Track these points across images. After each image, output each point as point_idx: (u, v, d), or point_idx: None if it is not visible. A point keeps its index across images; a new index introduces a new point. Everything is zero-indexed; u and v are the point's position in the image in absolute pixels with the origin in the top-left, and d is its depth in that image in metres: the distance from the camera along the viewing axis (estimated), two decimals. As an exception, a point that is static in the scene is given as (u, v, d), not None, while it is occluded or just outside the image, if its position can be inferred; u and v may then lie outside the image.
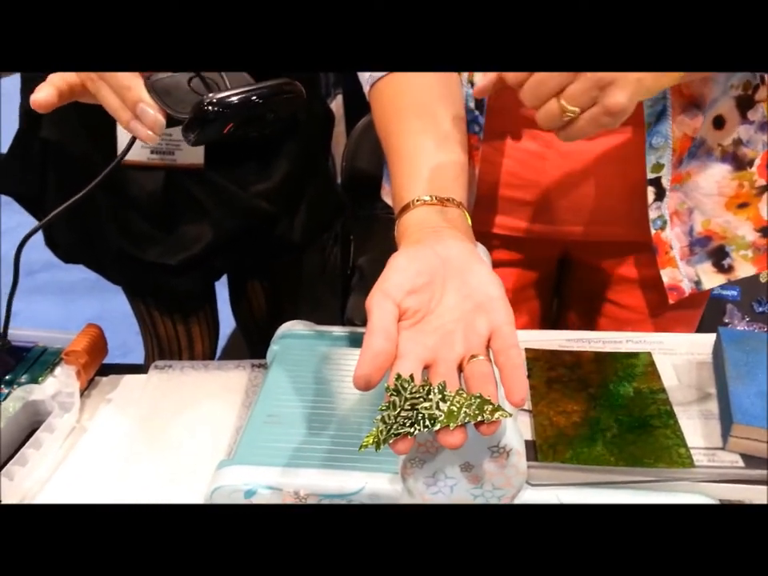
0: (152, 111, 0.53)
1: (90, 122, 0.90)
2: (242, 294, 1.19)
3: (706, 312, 0.91)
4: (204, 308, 1.11)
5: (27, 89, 0.95)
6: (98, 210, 0.95)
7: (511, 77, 0.54)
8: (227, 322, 1.25)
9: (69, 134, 0.91)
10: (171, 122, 0.55)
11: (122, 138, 0.88)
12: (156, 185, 0.92)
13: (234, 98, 0.53)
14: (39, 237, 1.05)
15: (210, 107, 0.52)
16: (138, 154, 0.90)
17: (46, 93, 0.55)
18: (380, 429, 0.44)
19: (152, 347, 1.13)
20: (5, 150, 1.00)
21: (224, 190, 0.94)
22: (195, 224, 0.95)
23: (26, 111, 0.95)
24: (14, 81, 0.94)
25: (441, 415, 0.44)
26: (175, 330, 1.09)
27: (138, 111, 0.53)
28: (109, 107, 0.55)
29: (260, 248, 1.03)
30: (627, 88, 0.52)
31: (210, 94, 0.53)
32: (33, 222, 1.03)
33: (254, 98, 0.54)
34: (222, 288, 1.18)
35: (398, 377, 0.45)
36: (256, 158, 0.96)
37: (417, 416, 0.44)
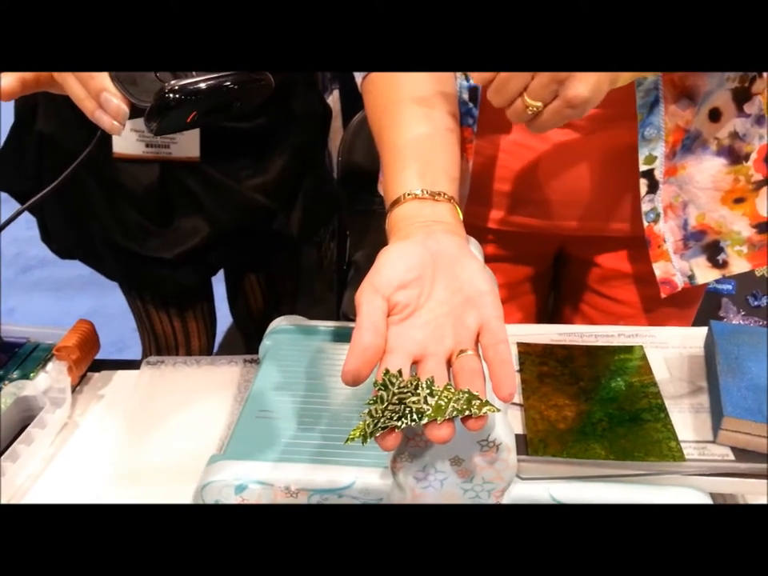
0: (115, 100, 0.52)
1: (84, 116, 0.90)
2: (238, 290, 1.19)
3: (701, 306, 0.91)
4: (201, 303, 1.11)
5: None
6: (93, 204, 0.95)
7: (476, 76, 0.55)
8: (223, 319, 1.25)
9: (63, 126, 0.91)
10: (138, 112, 0.54)
11: None
12: (151, 178, 0.92)
13: (197, 86, 0.52)
14: (36, 233, 1.05)
15: (171, 94, 0.51)
16: (133, 148, 0.90)
17: (7, 81, 0.53)
18: (367, 422, 0.44)
19: (149, 343, 1.12)
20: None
21: (220, 184, 0.94)
22: (191, 218, 0.95)
23: (21, 104, 0.95)
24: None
25: (428, 409, 0.44)
26: (172, 326, 1.09)
27: (101, 100, 0.53)
28: (74, 97, 0.54)
29: (257, 242, 1.03)
30: (587, 79, 0.53)
31: (173, 81, 0.51)
32: (30, 219, 1.03)
33: (218, 85, 0.53)
34: (218, 284, 1.17)
35: (386, 372, 0.45)
36: (252, 152, 0.96)
37: (404, 410, 0.44)
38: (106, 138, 0.88)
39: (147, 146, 0.90)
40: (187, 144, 0.90)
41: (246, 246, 1.03)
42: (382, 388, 0.45)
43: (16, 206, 1.02)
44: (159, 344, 1.12)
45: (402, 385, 0.45)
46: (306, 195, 1.03)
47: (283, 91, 0.95)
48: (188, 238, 0.96)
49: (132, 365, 0.77)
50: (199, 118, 0.54)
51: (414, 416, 0.44)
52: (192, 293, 1.09)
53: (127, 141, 0.89)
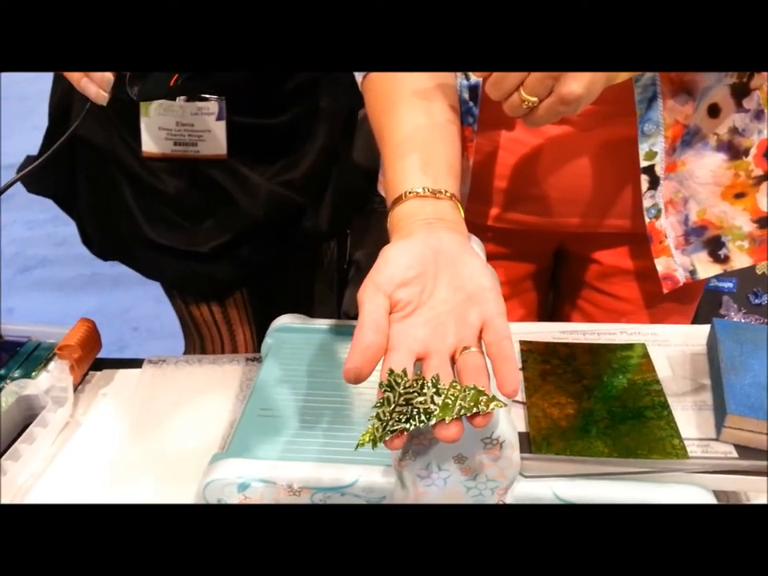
0: None
1: (114, 116, 0.92)
2: (262, 286, 1.19)
3: (703, 304, 0.91)
4: (240, 293, 1.10)
5: (56, 87, 0.95)
6: (127, 204, 0.96)
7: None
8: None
9: (95, 128, 0.93)
10: (123, 81, 0.53)
11: (145, 130, 0.90)
12: (182, 176, 0.94)
13: None
14: (36, 233, 1.06)
15: None
16: (162, 147, 0.92)
17: None
18: (375, 426, 0.44)
19: (193, 339, 1.12)
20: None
21: (249, 180, 0.95)
22: (223, 213, 0.97)
23: (55, 107, 0.96)
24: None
25: (436, 409, 0.44)
26: (213, 318, 1.09)
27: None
28: None
29: (286, 238, 1.04)
30: (581, 77, 0.53)
31: None
32: (32, 219, 1.03)
33: None
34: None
35: (391, 372, 0.45)
36: (281, 148, 0.97)
37: (412, 411, 0.44)
38: (136, 138, 0.89)
39: (175, 144, 0.92)
40: (214, 142, 0.92)
41: (275, 241, 1.03)
42: (388, 389, 0.44)
43: (14, 205, 1.02)
44: (204, 338, 1.11)
45: (407, 385, 0.44)
46: (335, 191, 1.04)
47: (308, 87, 0.96)
48: (220, 232, 0.97)
49: (134, 363, 0.77)
50: (183, 82, 0.53)
51: (423, 416, 0.44)
52: (230, 284, 1.08)
53: (155, 140, 0.91)
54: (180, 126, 0.90)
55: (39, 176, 0.99)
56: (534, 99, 0.55)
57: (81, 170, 0.98)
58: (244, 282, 1.10)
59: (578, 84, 0.53)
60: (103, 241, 1.04)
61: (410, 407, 0.44)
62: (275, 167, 0.97)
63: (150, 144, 0.91)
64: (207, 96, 0.88)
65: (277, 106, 0.94)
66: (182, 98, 0.87)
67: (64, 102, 0.94)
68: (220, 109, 0.89)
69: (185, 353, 1.16)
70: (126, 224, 0.98)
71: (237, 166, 0.94)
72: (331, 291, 1.46)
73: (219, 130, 0.91)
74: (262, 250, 1.03)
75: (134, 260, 1.04)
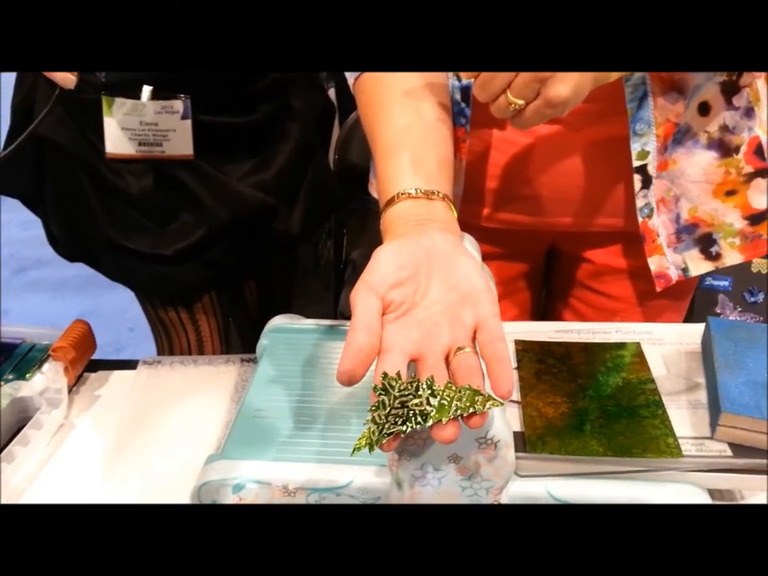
0: None
1: (78, 116, 0.90)
2: (235, 288, 1.18)
3: (698, 303, 0.91)
4: (209, 296, 1.09)
5: (19, 87, 0.95)
6: (91, 205, 0.95)
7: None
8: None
9: (61, 129, 0.92)
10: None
11: (108, 131, 0.89)
12: (147, 177, 0.92)
13: None
14: (31, 234, 1.05)
15: None
16: (127, 147, 0.90)
17: None
18: (372, 430, 0.44)
19: (161, 339, 1.12)
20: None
21: (216, 181, 0.94)
22: (189, 215, 0.95)
23: (17, 106, 0.95)
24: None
25: (432, 410, 0.44)
26: (181, 322, 1.08)
27: None
28: None
29: (257, 240, 1.03)
30: (568, 80, 0.54)
31: None
32: (27, 219, 1.03)
33: None
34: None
35: (385, 375, 0.45)
36: (251, 148, 0.96)
37: (408, 413, 0.44)
38: (100, 138, 0.89)
39: (140, 144, 0.90)
40: (180, 141, 0.90)
41: (246, 243, 1.02)
42: (383, 392, 0.44)
43: (12, 206, 1.02)
44: (171, 338, 1.11)
45: (402, 387, 0.44)
46: (308, 192, 1.02)
47: (280, 87, 0.95)
48: (186, 234, 0.95)
49: (129, 365, 0.76)
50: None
51: (419, 418, 0.44)
52: (197, 287, 1.07)
53: (119, 140, 0.90)
54: (144, 125, 0.89)
55: (6, 176, 0.98)
56: (521, 102, 0.55)
57: (47, 171, 0.96)
58: (212, 285, 1.08)
59: (565, 87, 0.54)
60: (69, 242, 1.03)
61: (405, 410, 0.44)
62: (245, 167, 0.95)
63: (113, 145, 0.90)
64: (172, 94, 0.87)
65: (247, 105, 0.93)
66: (146, 96, 0.86)
67: (26, 101, 0.93)
68: (185, 107, 0.87)
69: (157, 351, 1.16)
70: (91, 226, 0.97)
71: (204, 166, 0.92)
72: (328, 291, 1.46)
73: (185, 129, 0.89)
74: (231, 252, 1.01)
75: (99, 262, 1.03)
